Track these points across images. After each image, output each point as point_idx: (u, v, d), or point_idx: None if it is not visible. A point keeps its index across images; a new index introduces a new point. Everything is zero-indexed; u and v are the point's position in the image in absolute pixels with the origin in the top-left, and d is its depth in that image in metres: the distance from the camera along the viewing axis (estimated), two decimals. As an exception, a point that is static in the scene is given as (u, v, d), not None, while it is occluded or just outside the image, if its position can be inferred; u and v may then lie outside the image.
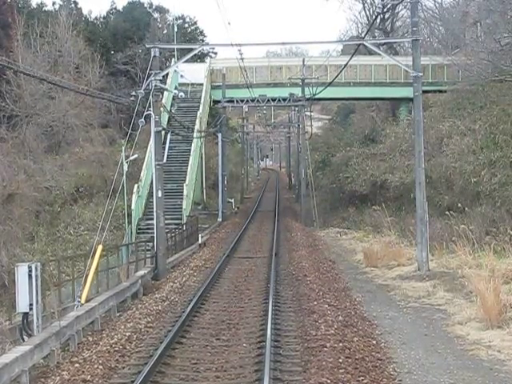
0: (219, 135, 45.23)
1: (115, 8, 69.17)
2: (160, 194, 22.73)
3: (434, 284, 19.25)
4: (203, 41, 74.59)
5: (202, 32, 72.25)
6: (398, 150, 38.67)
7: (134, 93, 21.74)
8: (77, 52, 51.68)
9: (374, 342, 12.69)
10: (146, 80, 21.39)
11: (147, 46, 22.03)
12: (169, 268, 23.57)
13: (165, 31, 66.22)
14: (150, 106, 21.88)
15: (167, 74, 45.77)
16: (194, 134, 39.48)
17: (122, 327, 13.93)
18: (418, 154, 22.00)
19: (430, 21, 54.63)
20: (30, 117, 44.99)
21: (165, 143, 41.51)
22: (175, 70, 45.75)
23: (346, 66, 31.53)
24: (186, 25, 71.59)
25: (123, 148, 31.48)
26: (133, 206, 33.80)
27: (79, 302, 16.72)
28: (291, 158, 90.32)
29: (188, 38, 64.83)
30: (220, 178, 45.43)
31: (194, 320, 14.55)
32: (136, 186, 34.58)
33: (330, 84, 37.05)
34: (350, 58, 30.97)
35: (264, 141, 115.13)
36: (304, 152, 45.12)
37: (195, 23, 72.76)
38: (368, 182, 38.80)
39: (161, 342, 12.29)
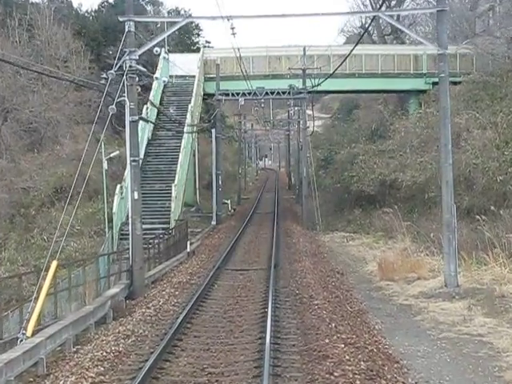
0: (213, 131, 41.63)
1: (107, 1, 66.07)
2: (136, 196, 19.04)
3: (469, 305, 15.89)
4: (199, 35, 71.29)
5: (197, 25, 68.87)
6: (408, 146, 36.01)
7: (104, 75, 18.04)
8: (65, 45, 48.27)
9: (411, 400, 9.18)
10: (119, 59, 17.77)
11: (120, 18, 18.40)
12: (148, 283, 19.93)
13: (158, 25, 63.08)
14: (123, 92, 18.35)
15: (157, 63, 42.27)
16: (185, 129, 35.78)
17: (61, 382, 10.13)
18: (445, 148, 19.02)
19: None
20: (7, 112, 41.49)
21: (151, 138, 38.04)
22: (164, 57, 42.24)
23: (349, 54, 28.67)
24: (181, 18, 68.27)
25: (103, 144, 27.82)
26: (115, 209, 29.92)
27: (24, 334, 13.20)
28: (291, 157, 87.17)
29: (182, 32, 61.63)
30: (214, 177, 41.85)
31: (164, 368, 10.58)
32: (119, 186, 30.71)
33: (332, 74, 33.86)
34: (356, 45, 28.87)
35: (263, 140, 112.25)
36: (305, 149, 41.56)
37: (190, 16, 69.35)
38: (376, 181, 36.21)
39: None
